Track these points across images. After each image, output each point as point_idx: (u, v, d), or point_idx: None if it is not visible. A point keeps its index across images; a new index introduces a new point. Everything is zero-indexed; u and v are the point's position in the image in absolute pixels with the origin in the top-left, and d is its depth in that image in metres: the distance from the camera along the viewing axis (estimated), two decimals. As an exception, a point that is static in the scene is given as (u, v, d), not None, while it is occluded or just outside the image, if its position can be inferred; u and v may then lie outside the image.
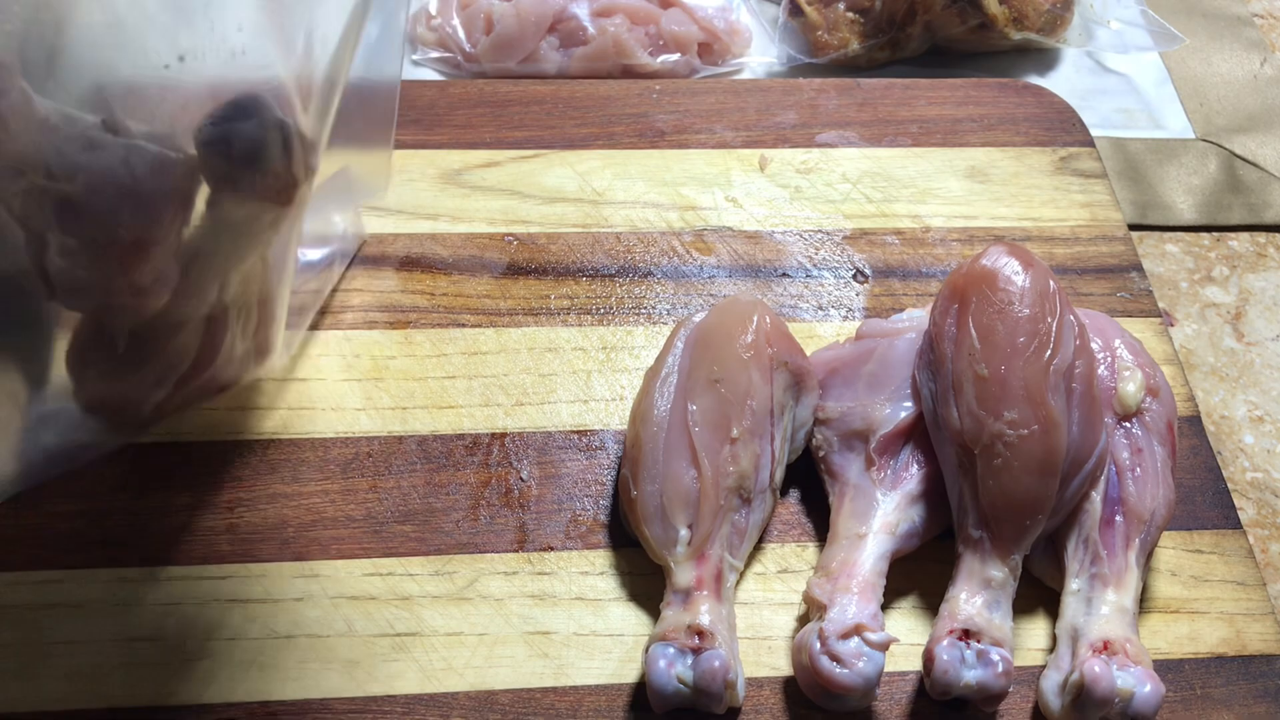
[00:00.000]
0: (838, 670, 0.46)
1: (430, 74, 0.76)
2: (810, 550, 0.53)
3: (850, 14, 0.78)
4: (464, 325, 0.59)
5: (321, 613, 0.50)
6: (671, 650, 0.47)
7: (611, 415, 0.57)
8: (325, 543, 0.52)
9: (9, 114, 0.38)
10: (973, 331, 0.50)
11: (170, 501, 0.52)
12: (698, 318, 0.54)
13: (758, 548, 0.53)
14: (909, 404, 0.52)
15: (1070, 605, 0.49)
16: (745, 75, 0.78)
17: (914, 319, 0.55)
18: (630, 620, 0.50)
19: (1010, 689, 0.47)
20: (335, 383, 0.57)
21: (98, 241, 0.43)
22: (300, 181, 0.45)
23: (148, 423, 0.54)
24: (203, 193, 0.44)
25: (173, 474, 0.53)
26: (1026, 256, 0.51)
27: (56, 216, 0.42)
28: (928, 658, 0.47)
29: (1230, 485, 0.59)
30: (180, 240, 0.45)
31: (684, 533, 0.49)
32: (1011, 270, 0.51)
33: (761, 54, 0.79)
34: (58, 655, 0.48)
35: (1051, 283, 0.51)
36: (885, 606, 0.49)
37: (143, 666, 0.48)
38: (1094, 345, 0.53)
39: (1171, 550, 0.54)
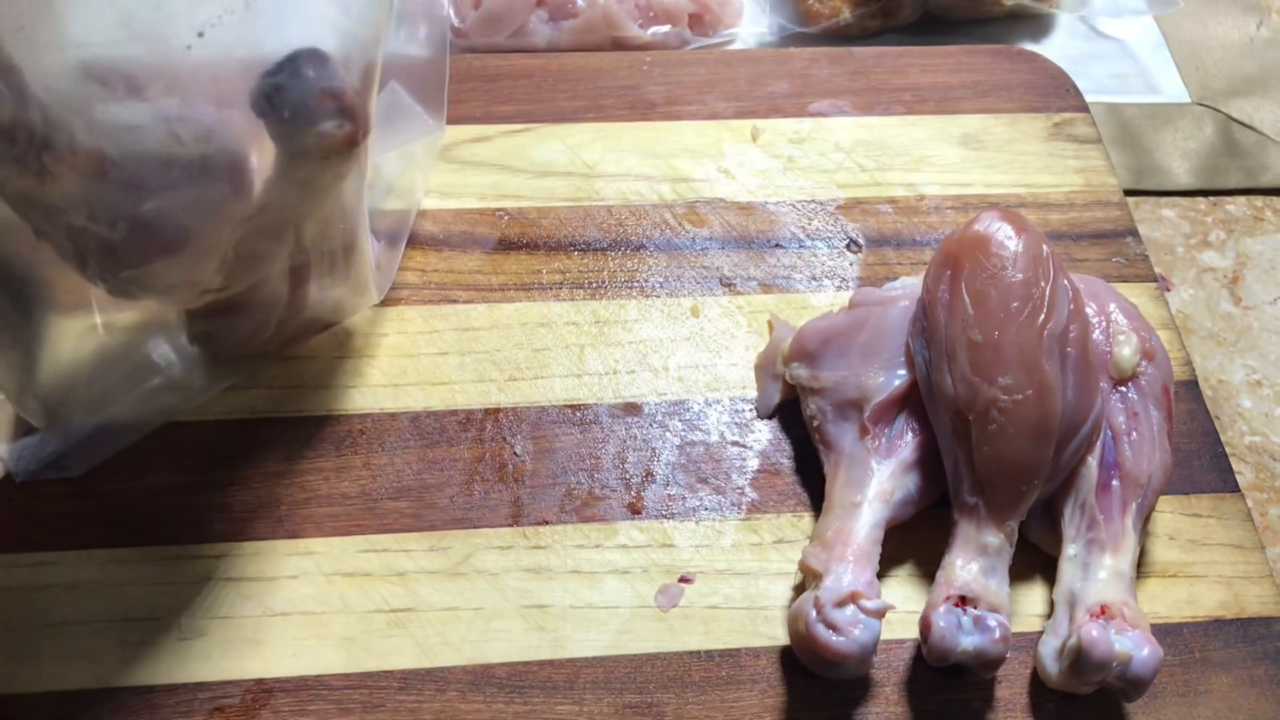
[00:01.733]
0: (834, 638, 0.45)
1: (419, 50, 0.76)
2: (806, 520, 0.53)
3: (842, -17, 0.78)
4: (455, 301, 0.59)
5: (316, 590, 0.50)
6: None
7: (605, 389, 0.57)
8: (319, 520, 0.51)
9: (51, 164, 0.38)
10: (966, 298, 0.49)
11: (163, 481, 0.52)
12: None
13: (755, 519, 0.53)
14: (903, 372, 0.52)
15: (1067, 570, 0.49)
16: (737, 46, 0.78)
17: (907, 287, 0.54)
18: (626, 593, 0.50)
19: (1008, 654, 0.47)
20: (327, 360, 0.56)
21: (137, 281, 0.44)
22: (357, 137, 0.45)
23: (259, 359, 0.55)
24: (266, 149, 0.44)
25: (165, 454, 0.53)
26: (1019, 222, 0.51)
27: (97, 254, 0.42)
28: (924, 624, 0.47)
29: (1228, 449, 0.58)
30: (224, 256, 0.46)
31: None
32: (1004, 235, 0.50)
33: (753, 24, 0.79)
34: (53, 636, 0.48)
35: (1044, 247, 0.50)
36: (881, 574, 0.49)
37: (138, 646, 0.48)
38: (1089, 310, 0.53)
39: (1169, 514, 0.54)
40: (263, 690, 0.47)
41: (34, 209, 0.41)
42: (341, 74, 0.43)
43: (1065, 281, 0.50)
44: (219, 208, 0.44)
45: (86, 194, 0.40)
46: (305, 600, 0.49)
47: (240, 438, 0.54)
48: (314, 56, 0.42)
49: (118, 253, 0.42)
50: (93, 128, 0.39)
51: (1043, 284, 0.49)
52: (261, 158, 0.44)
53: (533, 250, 0.61)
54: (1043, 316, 0.49)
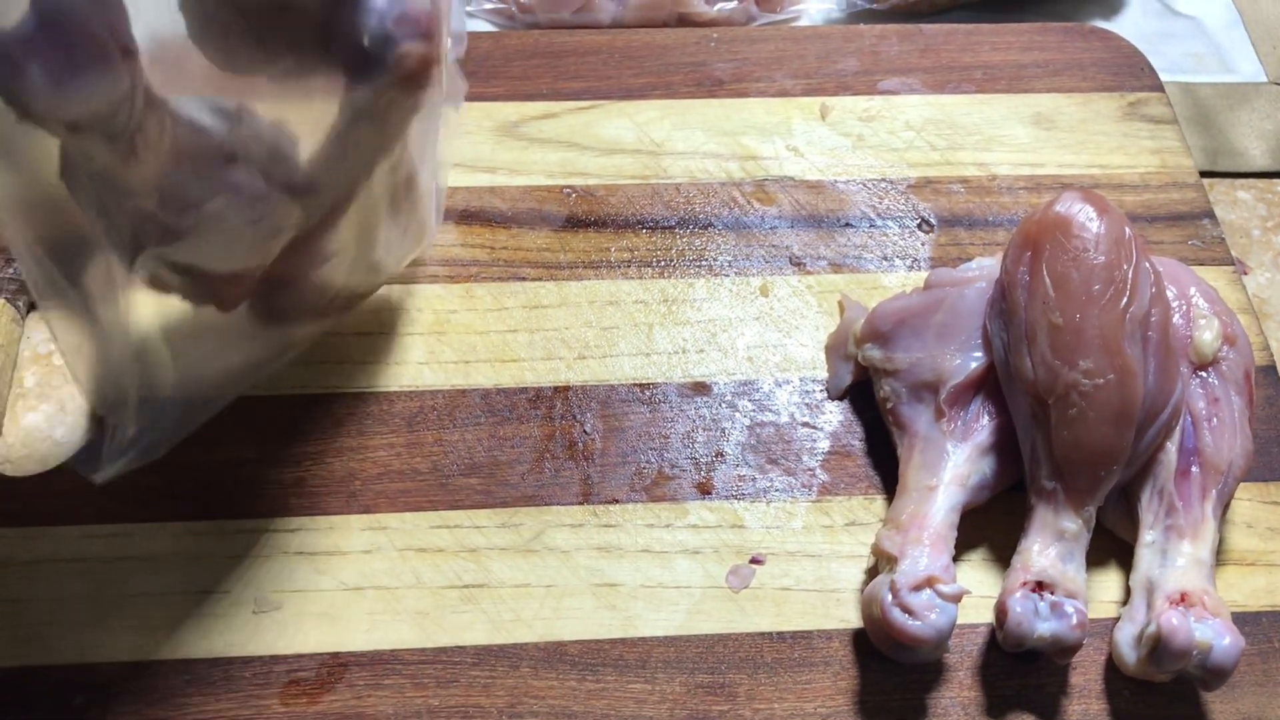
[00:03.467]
0: (910, 622, 0.45)
1: (484, 25, 0.75)
2: (878, 503, 0.53)
3: (910, -42, 0.76)
4: (524, 279, 0.59)
5: (390, 565, 0.50)
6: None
7: (673, 368, 0.56)
8: (392, 495, 0.52)
9: (141, 146, 0.39)
10: (1046, 279, 0.49)
11: (237, 455, 0.53)
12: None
13: (826, 501, 0.52)
14: (979, 354, 0.51)
15: (1145, 557, 0.49)
16: (804, 22, 0.77)
17: (984, 268, 0.54)
18: (697, 573, 0.50)
19: (1084, 641, 0.46)
20: (398, 336, 0.57)
21: (191, 271, 0.44)
22: (434, 60, 0.45)
23: (329, 314, 0.55)
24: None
25: (239, 428, 0.53)
26: (1101, 202, 0.50)
27: (158, 242, 0.42)
28: (1000, 610, 0.46)
29: (1306, 436, 0.57)
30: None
31: None
32: (1086, 216, 0.50)
33: (820, 0, 0.78)
34: (129, 607, 0.49)
35: (1127, 229, 0.50)
36: (955, 559, 0.48)
37: (213, 618, 0.48)
38: (1169, 293, 0.52)
39: (1247, 502, 0.53)
40: (338, 664, 0.47)
41: (107, 187, 0.41)
42: None
43: (1147, 264, 0.50)
44: (280, 209, 0.44)
45: (160, 180, 0.41)
46: (379, 575, 0.50)
47: (313, 412, 0.54)
48: None
49: (179, 242, 0.43)
50: (179, 112, 0.39)
51: (1125, 266, 0.48)
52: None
53: (601, 228, 0.61)
54: (1125, 300, 0.48)
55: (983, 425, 0.50)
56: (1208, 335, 0.51)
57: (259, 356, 0.52)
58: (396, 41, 0.43)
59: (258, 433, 0.53)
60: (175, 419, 0.50)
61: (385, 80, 0.44)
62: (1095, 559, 0.50)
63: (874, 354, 0.53)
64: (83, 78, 0.36)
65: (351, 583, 0.49)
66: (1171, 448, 0.50)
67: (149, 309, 0.47)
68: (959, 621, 0.47)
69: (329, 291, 0.53)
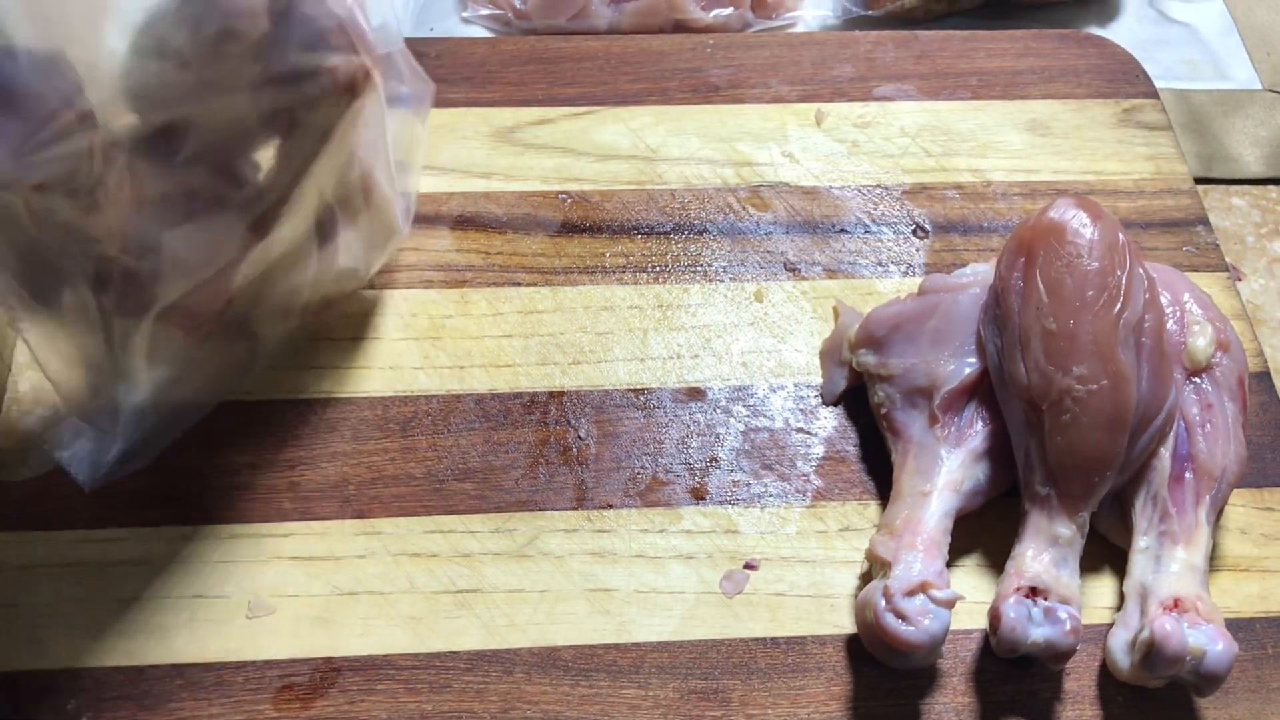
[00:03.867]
0: (903, 628, 0.45)
1: (481, 31, 0.76)
2: (872, 508, 0.53)
3: (906, -35, 0.77)
4: (519, 284, 0.59)
5: (384, 570, 0.50)
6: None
7: (668, 373, 0.56)
8: (386, 500, 0.52)
9: (102, 197, 0.39)
10: (1040, 285, 0.49)
11: (231, 460, 0.53)
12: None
13: (820, 506, 0.52)
14: (973, 360, 0.51)
15: (1139, 563, 0.49)
16: (799, 28, 0.77)
17: (978, 273, 0.54)
18: (691, 578, 0.50)
19: (1078, 647, 0.46)
20: (393, 341, 0.57)
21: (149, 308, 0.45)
22: (365, 71, 0.46)
23: (300, 320, 0.55)
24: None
25: (234, 433, 0.53)
26: (1094, 209, 0.50)
27: (120, 282, 0.43)
28: (994, 615, 0.46)
29: (1300, 442, 0.57)
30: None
31: None
32: (1080, 223, 0.50)
33: (816, 7, 0.78)
34: (124, 611, 0.49)
35: (1120, 235, 0.50)
36: (949, 564, 0.48)
37: (207, 623, 0.48)
38: (1163, 299, 0.52)
39: (1241, 508, 0.53)
40: (331, 669, 0.47)
41: (71, 237, 0.42)
42: (342, 9, 0.45)
43: (1141, 270, 0.50)
44: (235, 237, 0.45)
45: (123, 226, 0.41)
46: (372, 580, 0.50)
47: (307, 417, 0.54)
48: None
49: (140, 281, 0.43)
50: (135, 151, 0.40)
51: (1119, 272, 0.49)
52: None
53: (596, 233, 0.61)
54: (1118, 305, 0.48)
55: (976, 431, 0.50)
56: (1201, 341, 0.51)
57: (236, 363, 0.53)
58: (324, 55, 0.44)
59: (252, 438, 0.53)
60: (159, 426, 0.50)
61: (318, 92, 0.45)
62: (1089, 565, 0.50)
63: (868, 359, 0.53)
64: (42, 146, 0.37)
65: (345, 587, 0.49)
66: (1165, 453, 0.50)
67: (124, 327, 0.47)
68: (953, 627, 0.48)
69: (297, 298, 0.53)
